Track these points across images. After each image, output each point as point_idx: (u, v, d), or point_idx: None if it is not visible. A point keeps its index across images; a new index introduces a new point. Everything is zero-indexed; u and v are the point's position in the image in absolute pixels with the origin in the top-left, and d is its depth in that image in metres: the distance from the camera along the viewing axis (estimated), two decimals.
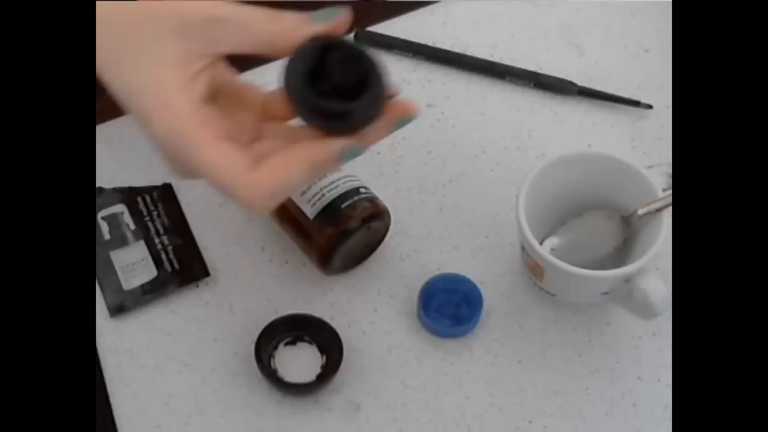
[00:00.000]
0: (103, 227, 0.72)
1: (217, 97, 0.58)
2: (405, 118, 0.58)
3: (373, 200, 0.69)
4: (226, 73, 0.60)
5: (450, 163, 0.77)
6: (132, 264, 0.71)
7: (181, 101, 0.55)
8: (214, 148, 0.55)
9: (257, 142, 0.58)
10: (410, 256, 0.73)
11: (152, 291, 0.71)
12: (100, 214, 0.72)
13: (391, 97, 0.57)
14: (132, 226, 0.73)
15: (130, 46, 0.55)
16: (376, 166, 0.76)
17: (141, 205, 0.73)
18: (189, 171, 0.57)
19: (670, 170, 0.68)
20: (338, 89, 0.55)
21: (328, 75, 0.55)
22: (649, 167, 0.68)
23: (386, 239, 0.72)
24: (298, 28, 0.56)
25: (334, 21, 0.56)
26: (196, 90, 0.55)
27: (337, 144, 0.56)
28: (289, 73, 0.55)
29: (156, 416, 0.68)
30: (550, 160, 0.68)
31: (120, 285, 0.71)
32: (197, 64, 0.56)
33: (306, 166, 0.56)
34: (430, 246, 0.73)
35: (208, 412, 0.68)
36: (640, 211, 0.67)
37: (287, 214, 0.70)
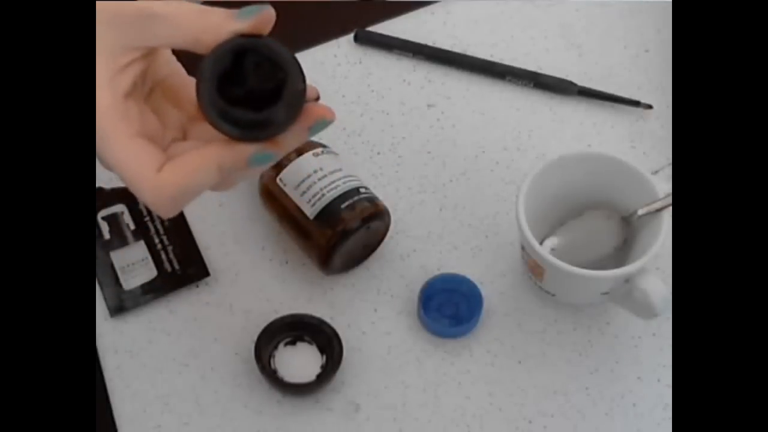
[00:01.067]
0: (103, 227, 0.72)
1: (152, 92, 0.58)
2: (320, 123, 0.56)
3: (373, 200, 0.69)
4: (166, 67, 0.58)
5: (450, 163, 0.77)
6: (132, 264, 0.72)
7: (103, 94, 0.54)
8: (126, 145, 0.54)
9: (179, 142, 0.57)
10: (410, 256, 0.73)
11: (152, 291, 0.71)
12: (100, 214, 0.72)
13: (307, 101, 0.55)
14: (132, 226, 0.73)
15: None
16: (376, 166, 0.76)
17: (141, 205, 0.73)
18: (106, 165, 0.56)
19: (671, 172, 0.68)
20: (251, 95, 0.53)
21: (241, 80, 0.53)
22: (655, 173, 0.68)
23: (386, 239, 0.72)
24: (222, 24, 0.53)
25: (257, 18, 0.54)
26: (120, 84, 0.54)
27: (249, 149, 0.54)
28: (200, 76, 0.53)
29: (156, 416, 0.68)
30: (550, 160, 0.68)
31: (120, 285, 0.71)
32: (126, 57, 0.54)
33: (212, 170, 0.54)
34: (430, 246, 0.73)
35: (208, 412, 0.68)
36: (640, 211, 0.67)
37: (287, 214, 0.70)
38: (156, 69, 0.59)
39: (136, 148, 0.54)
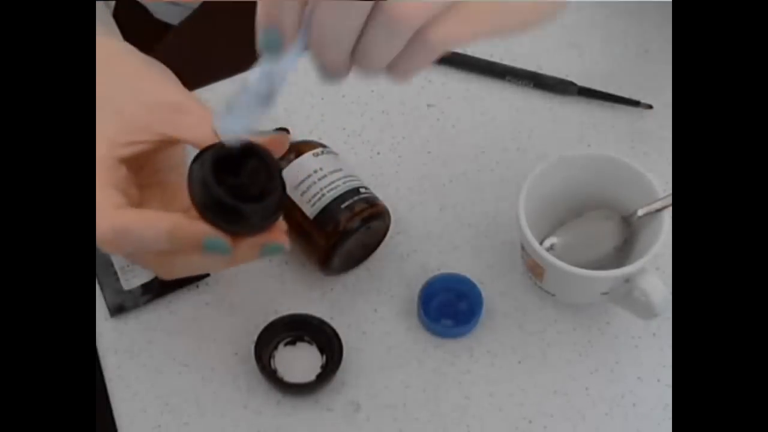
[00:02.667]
0: None
1: (150, 184, 0.62)
2: (275, 247, 0.58)
3: (373, 200, 0.69)
4: (174, 159, 0.63)
5: (450, 163, 0.77)
6: (132, 264, 0.71)
7: (102, 146, 0.58)
8: (102, 184, 0.57)
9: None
10: (410, 256, 0.73)
11: (152, 291, 0.71)
12: None
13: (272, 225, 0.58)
14: None
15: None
16: (376, 166, 0.76)
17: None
18: None
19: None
20: (236, 189, 0.55)
21: (233, 173, 0.55)
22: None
23: (386, 239, 0.72)
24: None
25: (273, 137, 0.59)
26: (121, 148, 0.59)
27: (206, 230, 0.56)
28: (202, 155, 0.56)
29: (156, 416, 0.68)
30: (550, 160, 0.68)
31: (120, 285, 0.71)
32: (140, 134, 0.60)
33: (162, 230, 0.56)
34: (430, 246, 0.73)
35: (208, 412, 0.68)
36: (640, 211, 0.67)
37: (287, 214, 0.70)
38: (164, 156, 0.63)
39: (110, 189, 0.57)
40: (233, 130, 0.54)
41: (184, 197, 0.58)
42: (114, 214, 0.56)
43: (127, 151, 0.59)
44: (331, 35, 0.50)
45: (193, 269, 0.60)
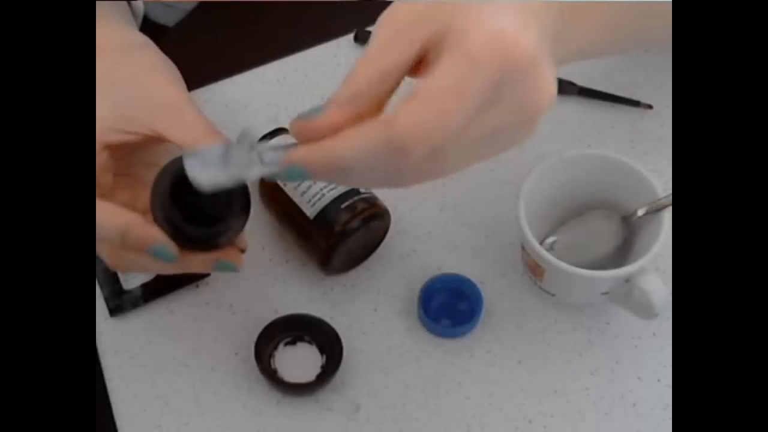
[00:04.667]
0: None
1: (130, 174, 0.63)
2: (227, 265, 0.60)
3: (373, 200, 0.69)
4: (159, 155, 0.64)
5: None
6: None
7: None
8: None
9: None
10: (410, 256, 0.73)
11: (152, 291, 0.71)
12: None
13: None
14: None
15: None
16: None
17: None
18: None
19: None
20: (193, 208, 0.57)
21: (194, 192, 0.55)
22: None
23: (386, 239, 0.72)
24: None
25: None
26: (107, 135, 0.60)
27: (157, 235, 0.57)
28: (169, 167, 0.57)
29: (156, 416, 0.68)
30: (550, 160, 0.68)
31: (120, 285, 0.71)
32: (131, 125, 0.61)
33: (116, 228, 0.58)
34: (430, 246, 0.73)
35: (208, 412, 0.68)
36: (640, 211, 0.67)
37: (287, 214, 0.70)
38: (145, 152, 0.64)
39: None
40: (196, 174, 0.53)
41: (148, 195, 0.60)
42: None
43: (115, 138, 0.60)
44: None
45: (142, 267, 0.61)
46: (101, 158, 0.60)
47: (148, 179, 0.63)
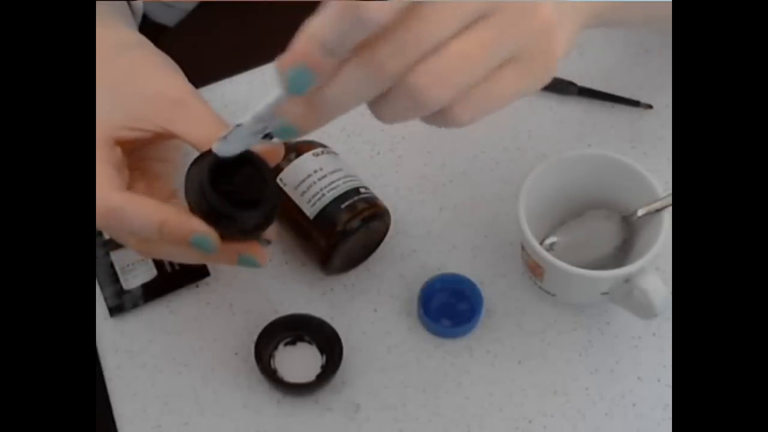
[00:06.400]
0: None
1: (138, 167, 0.63)
2: (251, 259, 0.60)
3: (373, 200, 0.69)
4: (168, 152, 0.65)
5: (450, 163, 0.77)
6: (132, 264, 0.71)
7: (99, 126, 0.59)
8: (103, 163, 0.59)
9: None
10: (410, 256, 0.73)
11: (152, 291, 0.71)
12: None
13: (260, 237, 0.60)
14: None
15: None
16: (376, 166, 0.76)
17: None
18: None
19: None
20: (230, 195, 0.57)
21: (228, 180, 0.57)
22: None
23: (386, 239, 0.72)
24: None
25: (271, 148, 0.59)
26: (118, 129, 0.60)
27: (196, 225, 0.57)
28: (200, 160, 0.58)
29: (156, 416, 0.68)
30: (550, 160, 0.68)
31: (120, 285, 0.71)
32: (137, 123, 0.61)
33: (154, 220, 0.57)
34: (430, 246, 0.73)
35: (208, 412, 0.68)
36: (640, 211, 0.67)
37: (287, 214, 0.70)
38: (155, 147, 0.64)
39: (109, 167, 0.59)
40: (227, 152, 0.56)
41: (163, 187, 0.60)
42: (111, 193, 0.58)
43: (124, 134, 0.60)
44: (348, 102, 0.49)
45: (172, 257, 0.61)
46: (116, 153, 0.60)
47: (159, 174, 0.64)
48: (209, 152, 0.57)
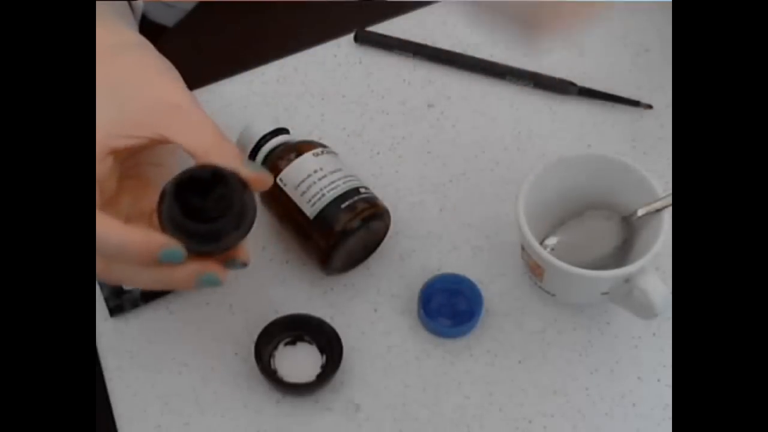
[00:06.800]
0: None
1: (131, 173, 0.63)
2: (210, 277, 0.59)
3: (373, 200, 0.69)
4: (163, 157, 0.64)
5: (450, 163, 0.77)
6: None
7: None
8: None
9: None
10: (410, 256, 0.73)
11: (152, 291, 0.71)
12: None
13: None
14: None
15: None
16: (376, 166, 0.76)
17: None
18: None
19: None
20: (200, 212, 0.57)
21: (202, 195, 0.58)
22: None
23: (386, 239, 0.72)
24: (231, 160, 0.58)
25: (259, 175, 0.59)
26: (113, 142, 0.60)
27: (164, 241, 0.56)
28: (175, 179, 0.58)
29: (156, 416, 0.68)
30: (550, 160, 0.68)
31: (120, 285, 0.71)
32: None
33: (116, 244, 0.57)
34: (430, 246, 0.73)
35: (208, 412, 0.68)
36: (640, 211, 0.67)
37: (287, 214, 0.70)
38: (151, 152, 0.64)
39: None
40: None
41: (155, 193, 0.59)
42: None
43: (122, 143, 0.60)
44: None
45: (127, 280, 0.61)
46: (105, 164, 0.59)
47: (152, 179, 0.63)
48: (186, 171, 0.57)
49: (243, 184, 0.58)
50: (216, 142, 0.59)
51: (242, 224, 0.58)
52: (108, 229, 0.57)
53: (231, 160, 0.58)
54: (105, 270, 0.59)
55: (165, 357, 0.69)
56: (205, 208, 0.58)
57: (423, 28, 0.82)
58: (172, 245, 0.57)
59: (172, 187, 0.57)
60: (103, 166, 0.59)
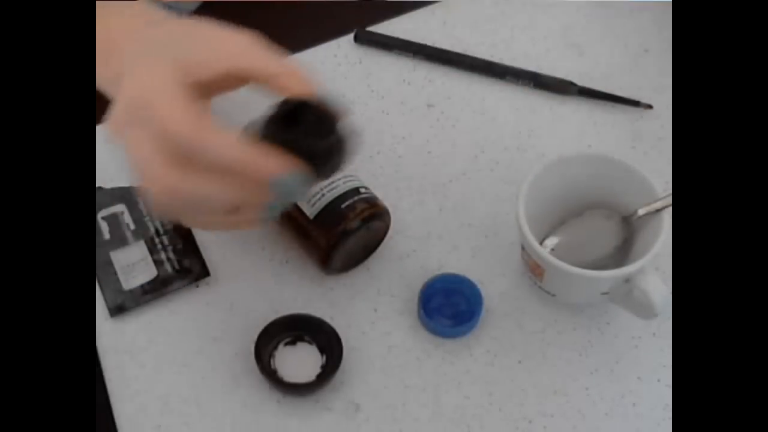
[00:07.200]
0: (103, 227, 0.72)
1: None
2: (274, 206, 0.59)
3: (373, 200, 0.69)
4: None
5: (450, 163, 0.77)
6: (132, 264, 0.72)
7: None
8: (175, 95, 0.57)
9: None
10: (410, 256, 0.73)
11: (152, 291, 0.71)
12: (100, 214, 0.72)
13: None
14: (132, 226, 0.73)
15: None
16: (376, 166, 0.76)
17: (141, 205, 0.73)
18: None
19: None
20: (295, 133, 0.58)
21: (296, 124, 0.58)
22: None
23: (386, 239, 0.72)
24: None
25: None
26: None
27: (280, 163, 0.56)
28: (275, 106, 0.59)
29: (156, 416, 0.68)
30: (550, 160, 0.68)
31: (120, 285, 0.71)
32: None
33: (232, 156, 0.56)
34: (430, 246, 0.73)
35: (208, 412, 0.68)
36: (640, 211, 0.67)
37: (287, 214, 0.70)
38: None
39: (183, 99, 0.57)
40: None
41: None
42: (187, 117, 0.56)
43: (203, 73, 0.59)
44: None
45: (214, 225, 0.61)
46: (191, 92, 0.58)
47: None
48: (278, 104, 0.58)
49: (336, 115, 0.59)
50: (291, 67, 0.59)
51: (341, 144, 0.60)
52: (222, 137, 0.56)
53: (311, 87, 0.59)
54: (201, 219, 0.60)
55: (165, 357, 0.69)
56: (310, 131, 0.58)
57: (423, 28, 0.82)
58: (292, 166, 0.57)
59: (280, 110, 0.58)
60: (190, 92, 0.58)
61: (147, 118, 0.56)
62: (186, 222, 0.61)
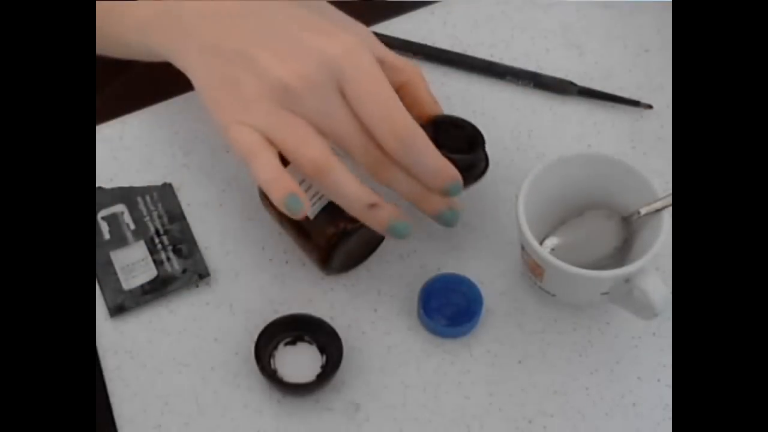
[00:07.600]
0: (103, 227, 0.72)
1: None
2: (402, 224, 0.65)
3: None
4: None
5: None
6: (132, 264, 0.71)
7: None
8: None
9: None
10: (410, 256, 0.73)
11: (152, 291, 0.71)
12: (100, 214, 0.72)
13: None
14: (132, 226, 0.73)
15: None
16: None
17: (141, 205, 0.73)
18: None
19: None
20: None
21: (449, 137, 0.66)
22: None
23: (386, 239, 0.72)
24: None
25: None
26: None
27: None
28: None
29: (156, 416, 0.68)
30: (550, 160, 0.68)
31: (120, 285, 0.71)
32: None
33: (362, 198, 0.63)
34: (430, 246, 0.73)
35: (208, 412, 0.68)
36: (641, 211, 0.67)
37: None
38: None
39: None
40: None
41: None
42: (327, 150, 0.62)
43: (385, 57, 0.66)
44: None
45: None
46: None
47: None
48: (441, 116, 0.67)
49: (480, 135, 0.68)
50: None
51: (481, 162, 0.68)
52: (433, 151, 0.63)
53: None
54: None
55: (165, 357, 0.69)
56: (455, 146, 0.66)
57: (423, 28, 0.82)
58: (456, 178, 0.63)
59: (433, 126, 0.66)
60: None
61: (354, 78, 0.60)
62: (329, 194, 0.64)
